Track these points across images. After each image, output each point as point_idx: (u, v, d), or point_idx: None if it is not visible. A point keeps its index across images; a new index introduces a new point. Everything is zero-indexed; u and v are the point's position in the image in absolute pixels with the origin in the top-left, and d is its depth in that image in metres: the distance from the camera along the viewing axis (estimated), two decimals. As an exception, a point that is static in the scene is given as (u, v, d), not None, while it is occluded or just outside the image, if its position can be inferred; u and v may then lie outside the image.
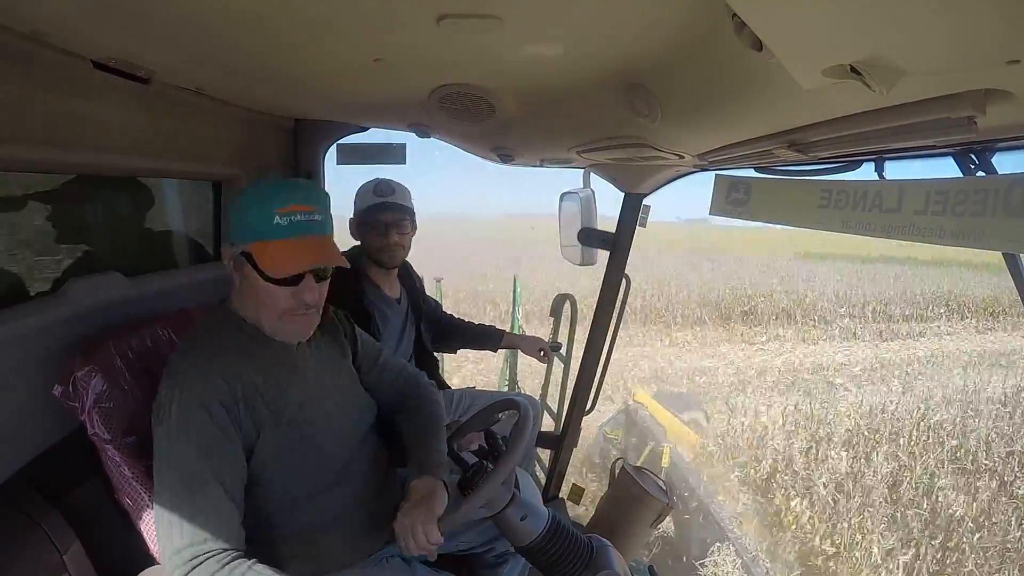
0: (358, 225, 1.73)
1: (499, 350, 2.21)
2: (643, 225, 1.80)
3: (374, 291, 1.75)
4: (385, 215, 1.69)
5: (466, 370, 8.16)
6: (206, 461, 0.88)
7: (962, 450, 5.79)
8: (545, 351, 2.14)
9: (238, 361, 0.96)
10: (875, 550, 4.46)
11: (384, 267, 1.75)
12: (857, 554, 4.50)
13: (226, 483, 0.90)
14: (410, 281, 1.92)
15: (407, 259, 1.86)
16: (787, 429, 6.33)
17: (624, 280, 1.92)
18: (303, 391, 1.03)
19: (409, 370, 1.30)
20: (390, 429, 1.22)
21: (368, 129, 1.95)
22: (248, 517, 0.94)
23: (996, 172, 0.80)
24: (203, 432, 0.89)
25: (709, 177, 1.35)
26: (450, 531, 1.01)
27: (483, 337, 2.11)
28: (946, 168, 0.86)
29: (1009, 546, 4.51)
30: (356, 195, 1.75)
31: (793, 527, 4.90)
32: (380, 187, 1.71)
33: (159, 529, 0.87)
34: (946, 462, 5.61)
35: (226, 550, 0.87)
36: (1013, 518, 4.72)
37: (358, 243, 1.77)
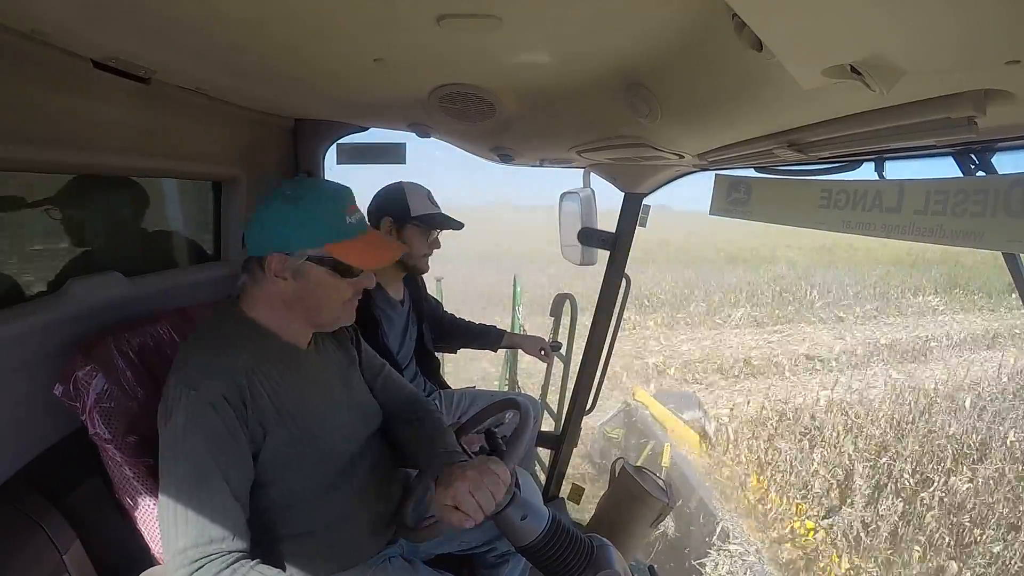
0: (401, 227, 1.69)
1: (499, 350, 2.22)
2: (643, 225, 1.80)
3: (379, 295, 1.74)
4: (441, 225, 1.72)
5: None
6: (213, 459, 0.88)
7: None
8: (546, 350, 2.14)
9: (246, 360, 0.95)
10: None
11: (416, 272, 1.81)
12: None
13: (232, 482, 0.89)
14: (412, 282, 1.91)
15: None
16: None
17: (624, 280, 1.92)
18: (310, 392, 1.03)
19: (410, 387, 1.30)
20: (391, 437, 1.22)
21: (368, 129, 1.95)
22: (252, 517, 0.93)
23: (996, 172, 0.80)
24: (210, 430, 0.88)
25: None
26: (450, 531, 1.01)
27: (484, 336, 2.12)
28: (946, 168, 0.86)
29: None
30: (399, 197, 1.70)
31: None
32: (431, 196, 1.73)
33: (163, 528, 0.87)
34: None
35: (231, 552, 0.86)
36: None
37: None
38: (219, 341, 0.97)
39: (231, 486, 0.89)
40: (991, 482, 4.79)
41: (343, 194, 1.00)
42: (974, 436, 5.62)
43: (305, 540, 1.01)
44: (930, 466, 5.13)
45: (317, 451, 1.00)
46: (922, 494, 4.70)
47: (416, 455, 1.14)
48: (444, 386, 2.03)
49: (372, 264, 1.01)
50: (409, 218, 1.68)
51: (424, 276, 1.95)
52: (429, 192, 1.74)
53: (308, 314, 1.02)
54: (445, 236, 1.80)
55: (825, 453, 5.32)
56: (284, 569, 0.98)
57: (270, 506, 0.98)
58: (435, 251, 1.80)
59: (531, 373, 5.18)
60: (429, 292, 2.13)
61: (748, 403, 6.85)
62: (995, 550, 4.14)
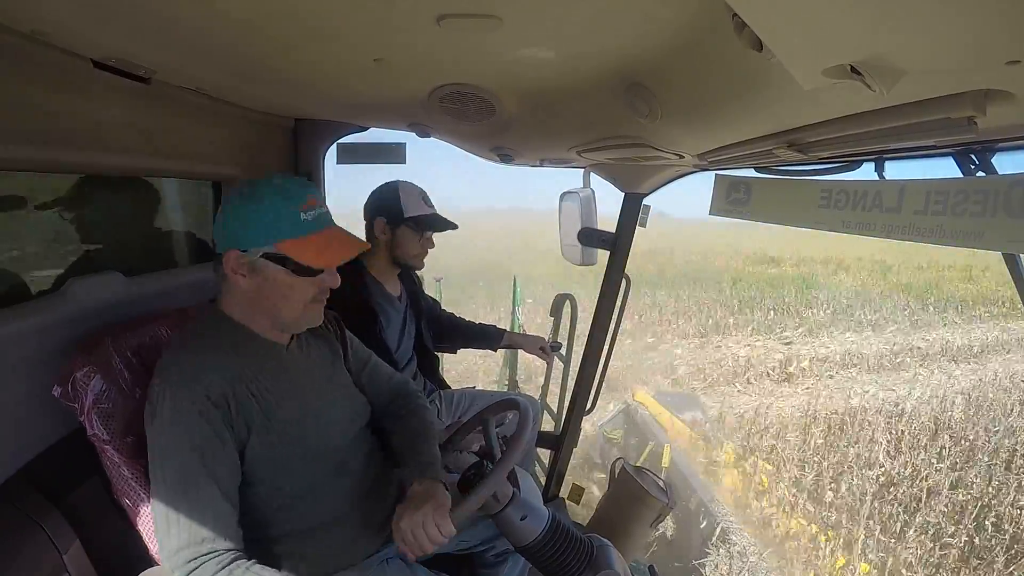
0: (395, 227, 1.71)
1: (499, 350, 2.22)
2: (643, 225, 1.80)
3: (377, 289, 1.75)
4: (434, 226, 1.73)
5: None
6: (200, 460, 0.88)
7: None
8: (545, 350, 2.15)
9: (229, 360, 0.95)
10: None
11: (411, 269, 1.83)
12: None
13: (221, 482, 0.89)
14: (409, 279, 1.92)
15: None
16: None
17: (624, 280, 1.92)
18: (294, 391, 1.03)
19: (398, 377, 1.30)
20: (380, 433, 1.22)
21: (368, 129, 1.95)
22: (244, 517, 0.94)
23: (996, 172, 0.80)
24: (196, 431, 0.88)
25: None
26: None
27: (484, 336, 2.12)
28: (946, 168, 0.86)
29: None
30: (393, 197, 1.71)
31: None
32: (426, 196, 1.75)
33: (157, 530, 0.87)
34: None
35: (226, 551, 0.86)
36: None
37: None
38: (201, 341, 0.98)
39: (220, 486, 0.89)
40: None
41: (298, 190, 0.97)
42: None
43: (298, 540, 1.01)
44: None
45: (304, 449, 1.00)
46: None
47: (398, 456, 1.14)
48: (444, 386, 2.03)
49: (327, 263, 0.98)
50: (402, 219, 1.69)
51: (423, 276, 1.95)
52: (424, 192, 1.75)
53: (269, 313, 1.00)
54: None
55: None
56: (279, 568, 0.98)
57: (260, 505, 0.98)
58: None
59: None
60: (428, 292, 2.14)
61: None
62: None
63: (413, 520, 0.95)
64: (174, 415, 0.88)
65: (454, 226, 1.76)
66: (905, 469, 5.20)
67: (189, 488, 0.87)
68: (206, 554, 0.85)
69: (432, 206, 1.75)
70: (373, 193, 1.75)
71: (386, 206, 1.71)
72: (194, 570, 0.84)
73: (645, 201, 1.79)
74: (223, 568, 0.85)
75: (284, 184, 0.98)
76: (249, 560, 0.88)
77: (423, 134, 1.67)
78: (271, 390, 0.99)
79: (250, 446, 0.95)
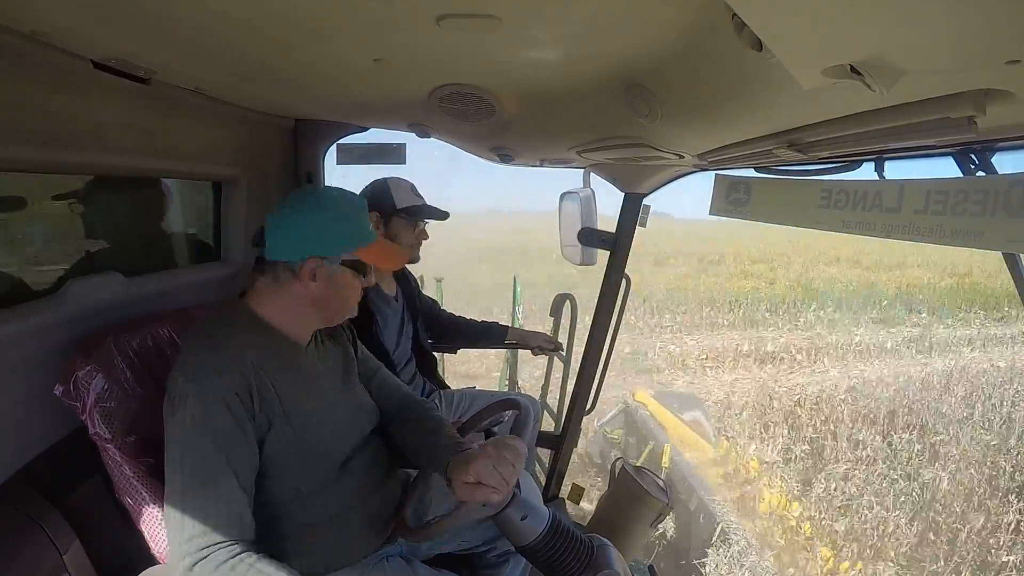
0: (387, 219, 1.71)
1: (498, 350, 2.22)
2: (643, 225, 1.81)
3: (372, 290, 1.75)
4: (425, 216, 1.74)
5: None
6: (222, 452, 0.89)
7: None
8: (551, 346, 2.15)
9: (252, 355, 0.96)
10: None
11: (410, 263, 1.82)
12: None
13: (240, 474, 0.90)
14: (405, 279, 1.92)
15: None
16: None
17: (624, 280, 1.92)
18: (310, 390, 1.04)
19: (406, 390, 1.31)
20: (388, 438, 1.22)
21: (368, 129, 1.95)
22: (253, 510, 0.94)
23: (996, 172, 0.80)
24: (221, 426, 0.89)
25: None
26: (449, 533, 1.00)
27: (486, 334, 2.11)
28: (946, 168, 0.86)
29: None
30: (383, 191, 1.72)
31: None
32: (415, 189, 1.76)
33: (170, 518, 0.87)
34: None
35: (237, 541, 0.87)
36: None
37: None
38: (224, 336, 0.98)
39: (239, 480, 0.90)
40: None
41: (361, 203, 1.08)
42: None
43: (302, 535, 1.02)
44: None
45: (314, 448, 1.01)
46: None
47: (418, 451, 1.14)
48: (443, 386, 2.03)
49: (393, 265, 1.09)
50: (395, 211, 1.69)
51: (422, 276, 1.94)
52: (413, 185, 1.75)
53: (328, 313, 1.07)
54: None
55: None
56: (282, 562, 0.98)
57: (268, 500, 0.98)
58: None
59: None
60: (428, 292, 2.13)
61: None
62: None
63: (490, 455, 0.94)
64: (200, 410, 0.89)
65: (445, 215, 1.76)
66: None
67: (208, 481, 0.87)
68: (217, 543, 0.85)
69: (422, 197, 1.75)
70: (363, 191, 1.74)
71: (377, 200, 1.70)
72: (204, 558, 0.84)
73: (645, 201, 1.80)
74: (233, 557, 0.85)
75: (346, 196, 1.07)
76: (259, 553, 0.88)
77: (423, 134, 1.67)
78: (289, 387, 1.00)
79: (267, 440, 0.96)
